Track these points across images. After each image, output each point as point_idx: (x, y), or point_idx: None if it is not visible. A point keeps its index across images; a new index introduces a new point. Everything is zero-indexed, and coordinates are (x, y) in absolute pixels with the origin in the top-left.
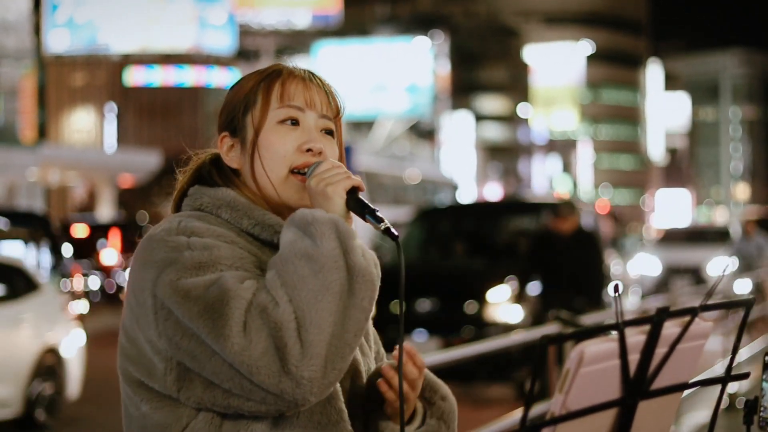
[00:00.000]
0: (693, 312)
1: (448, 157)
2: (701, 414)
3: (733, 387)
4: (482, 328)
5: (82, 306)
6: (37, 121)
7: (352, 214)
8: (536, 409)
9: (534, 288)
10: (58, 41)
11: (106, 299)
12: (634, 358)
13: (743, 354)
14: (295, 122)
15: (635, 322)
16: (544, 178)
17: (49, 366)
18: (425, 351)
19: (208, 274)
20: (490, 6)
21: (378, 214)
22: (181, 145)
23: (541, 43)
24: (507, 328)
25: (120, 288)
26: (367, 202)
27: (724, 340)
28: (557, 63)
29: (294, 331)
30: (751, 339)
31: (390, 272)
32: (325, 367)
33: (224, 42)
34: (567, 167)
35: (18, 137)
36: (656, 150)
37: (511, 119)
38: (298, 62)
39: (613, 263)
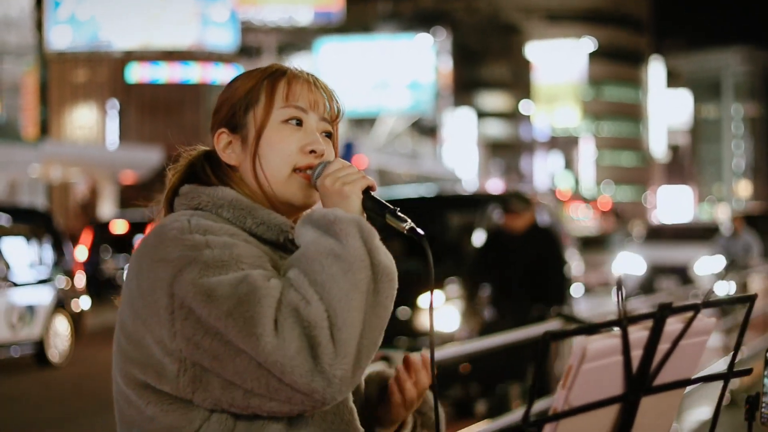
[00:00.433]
0: (695, 308)
1: (450, 154)
2: (703, 410)
3: (735, 383)
4: (416, 337)
5: (84, 302)
6: (39, 117)
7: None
8: (537, 406)
9: (484, 293)
10: (60, 38)
11: None
12: (636, 355)
13: (745, 350)
14: (299, 122)
15: (638, 319)
16: (546, 175)
17: None
18: None
19: (231, 273)
20: (492, 3)
21: (399, 213)
22: (183, 142)
23: (543, 40)
24: (443, 338)
25: None
26: (384, 201)
27: (724, 336)
28: (559, 60)
29: (327, 329)
30: (728, 351)
31: None
32: (354, 366)
33: (226, 39)
34: (569, 164)
35: (20, 134)
36: (658, 147)
37: (513, 116)
38: (301, 59)
39: (575, 264)
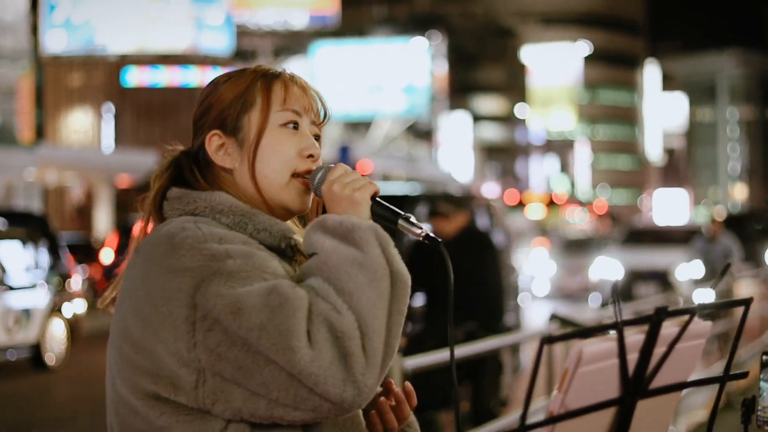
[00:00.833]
0: (692, 312)
1: (445, 157)
2: (700, 413)
3: (731, 386)
4: None
5: (79, 306)
6: (34, 121)
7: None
8: (532, 408)
9: (416, 304)
10: (55, 42)
11: None
12: (632, 358)
13: (742, 354)
14: (295, 126)
15: (634, 322)
16: (542, 179)
17: None
18: None
19: (256, 283)
20: (487, 7)
21: (412, 219)
22: (178, 145)
23: (539, 43)
24: None
25: None
26: (394, 207)
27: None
28: (554, 63)
29: (358, 339)
30: (709, 364)
31: None
32: (379, 374)
33: (221, 42)
34: (564, 167)
35: (15, 137)
36: (654, 150)
37: (509, 119)
38: (296, 63)
39: (522, 271)
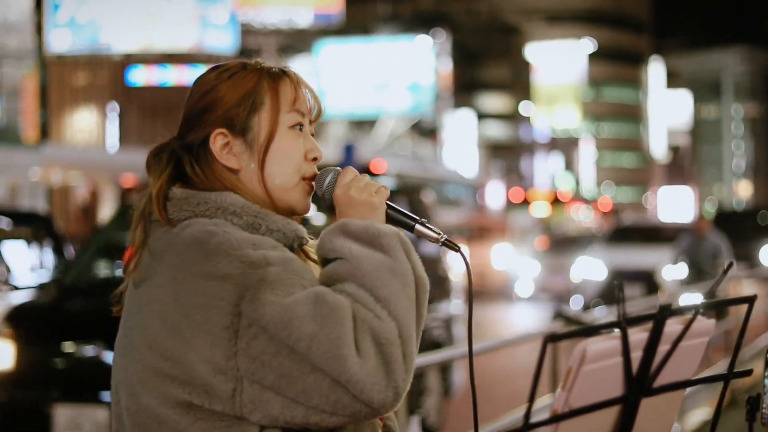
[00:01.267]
0: (695, 309)
1: (450, 155)
2: (704, 411)
3: (736, 384)
4: None
5: None
6: (39, 120)
7: None
8: (536, 406)
9: None
10: (59, 41)
11: None
12: (636, 356)
13: (746, 351)
14: (301, 127)
15: (637, 320)
16: (547, 176)
17: None
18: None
19: (297, 290)
20: (491, 4)
21: (428, 223)
22: None
23: (543, 41)
24: None
25: None
26: (407, 212)
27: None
28: (559, 61)
29: (399, 346)
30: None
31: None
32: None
33: (226, 41)
34: (569, 165)
35: (20, 137)
36: (658, 148)
37: (513, 117)
38: (301, 62)
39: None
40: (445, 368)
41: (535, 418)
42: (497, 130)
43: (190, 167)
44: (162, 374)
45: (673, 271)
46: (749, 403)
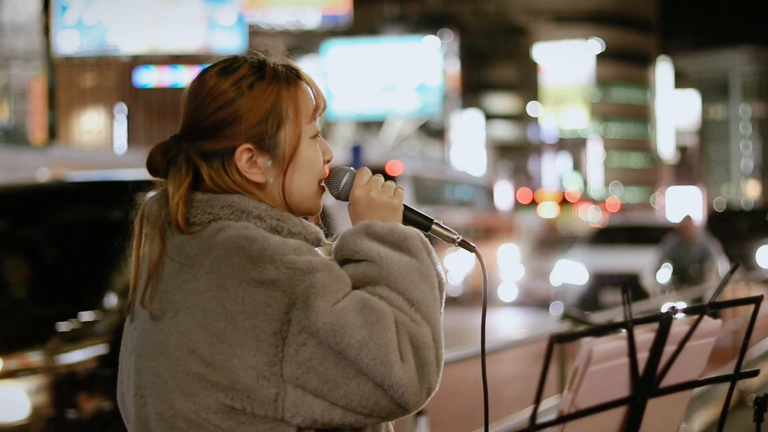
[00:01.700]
0: (702, 310)
1: (458, 156)
2: (711, 412)
3: (745, 384)
4: None
5: None
6: (47, 122)
7: None
8: (542, 407)
9: None
10: (67, 42)
11: None
12: (642, 357)
13: (754, 351)
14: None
15: (644, 321)
16: (555, 177)
17: None
18: None
19: (341, 294)
20: (499, 5)
21: (443, 224)
22: None
23: (551, 41)
24: None
25: None
26: (424, 213)
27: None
28: (567, 61)
29: (434, 349)
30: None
31: None
32: None
33: (233, 42)
34: (577, 165)
35: (28, 138)
36: (666, 148)
37: (521, 118)
38: (308, 62)
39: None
40: None
41: (541, 419)
42: (505, 131)
43: (209, 176)
44: (204, 380)
45: (660, 275)
46: (757, 404)
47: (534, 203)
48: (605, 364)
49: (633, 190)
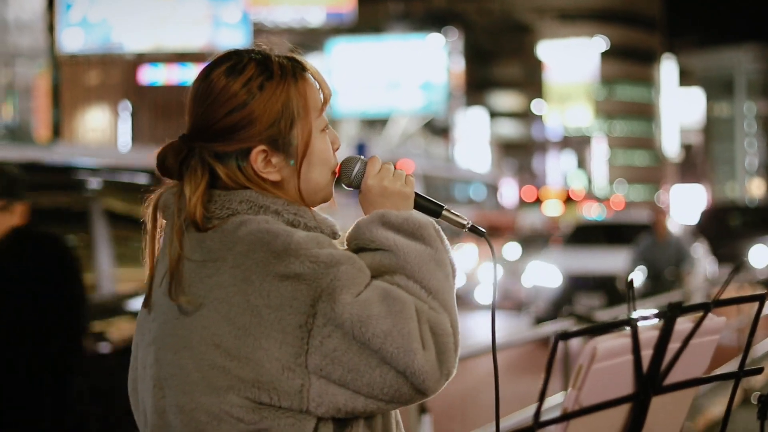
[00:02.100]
0: (706, 307)
1: (463, 154)
2: (715, 409)
3: (749, 382)
4: None
5: None
6: (51, 120)
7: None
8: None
9: None
10: (72, 40)
11: None
12: (646, 354)
13: (758, 349)
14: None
15: (648, 318)
16: (559, 175)
17: None
18: None
19: (363, 285)
20: (503, 3)
21: (453, 211)
22: None
23: (555, 39)
24: None
25: None
26: (434, 200)
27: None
28: (571, 59)
29: (452, 336)
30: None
31: None
32: None
33: (238, 40)
34: (582, 163)
35: (32, 136)
36: (671, 146)
37: (526, 116)
38: (313, 60)
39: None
40: None
41: (545, 417)
42: (509, 129)
43: (227, 175)
44: (229, 373)
45: (638, 277)
46: (761, 401)
47: (538, 201)
48: (609, 361)
49: (637, 188)
